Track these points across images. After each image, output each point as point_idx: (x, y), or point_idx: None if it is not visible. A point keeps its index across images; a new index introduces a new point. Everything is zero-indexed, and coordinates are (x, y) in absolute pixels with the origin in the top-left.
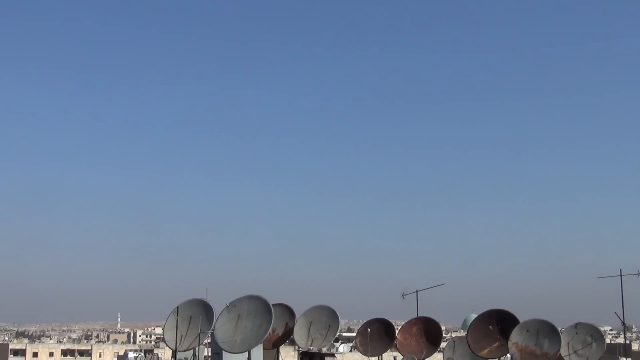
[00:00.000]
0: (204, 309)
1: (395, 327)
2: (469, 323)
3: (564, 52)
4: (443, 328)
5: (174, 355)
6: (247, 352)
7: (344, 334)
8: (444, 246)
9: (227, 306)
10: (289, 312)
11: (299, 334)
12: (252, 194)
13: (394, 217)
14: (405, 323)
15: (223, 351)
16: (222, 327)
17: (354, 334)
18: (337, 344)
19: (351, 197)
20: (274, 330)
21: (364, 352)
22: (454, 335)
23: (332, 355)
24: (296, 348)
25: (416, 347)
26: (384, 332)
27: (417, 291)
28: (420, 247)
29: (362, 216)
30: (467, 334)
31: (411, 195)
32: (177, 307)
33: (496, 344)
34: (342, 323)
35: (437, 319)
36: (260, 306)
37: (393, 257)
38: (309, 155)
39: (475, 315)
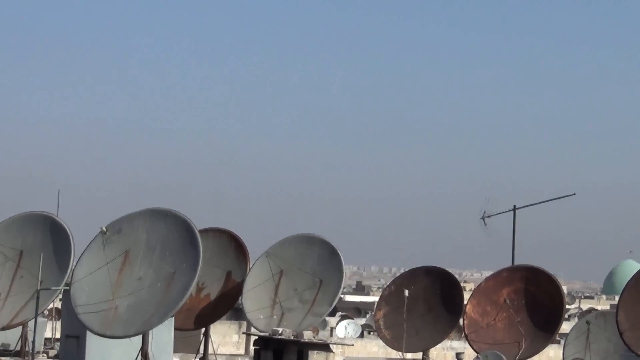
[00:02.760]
0: (49, 236)
1: (464, 286)
2: (621, 282)
3: None
4: (565, 290)
5: None
6: (140, 335)
7: (348, 299)
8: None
9: (103, 231)
10: (234, 247)
11: (253, 297)
12: None
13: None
14: (487, 280)
15: (87, 332)
16: (90, 279)
17: (373, 299)
18: (333, 321)
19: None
20: (200, 288)
21: (394, 344)
22: (585, 305)
23: (326, 346)
24: (243, 331)
25: (506, 332)
26: (440, 298)
27: (514, 208)
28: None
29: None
30: (617, 307)
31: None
32: None
33: None
34: (349, 273)
35: (551, 271)
36: (175, 234)
37: (457, 143)
38: None
39: (637, 264)
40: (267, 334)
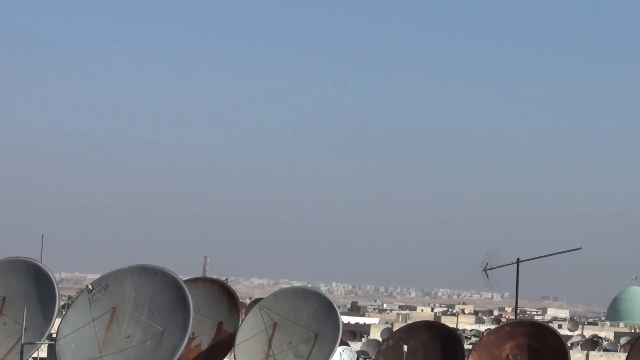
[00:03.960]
0: (34, 284)
1: (463, 308)
2: (626, 308)
3: None
4: (567, 314)
5: None
6: None
7: (342, 320)
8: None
9: (90, 290)
10: (227, 298)
11: (245, 349)
12: None
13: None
14: (488, 334)
15: None
16: (76, 335)
17: (369, 320)
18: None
19: None
20: (191, 339)
21: None
22: (589, 332)
23: None
24: None
25: None
26: (440, 354)
27: (518, 261)
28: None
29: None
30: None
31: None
32: None
33: None
34: (343, 292)
35: (553, 294)
36: (165, 292)
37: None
38: None
39: (637, 287)
40: None
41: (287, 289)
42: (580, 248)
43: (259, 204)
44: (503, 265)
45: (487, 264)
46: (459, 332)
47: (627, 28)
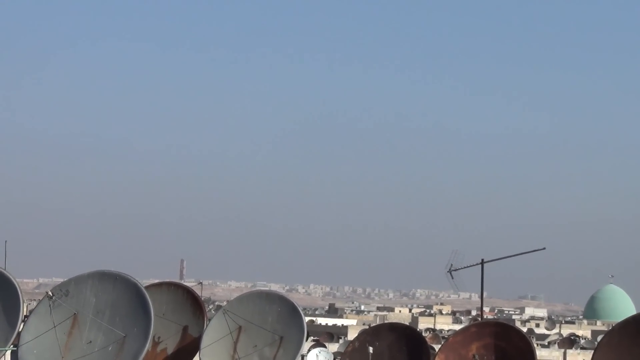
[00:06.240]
0: None
1: (440, 309)
2: (603, 307)
3: None
4: (545, 313)
5: None
6: None
7: (320, 321)
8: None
9: (50, 296)
10: (190, 302)
11: (211, 353)
12: None
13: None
14: (455, 335)
15: None
16: (38, 342)
17: (346, 321)
18: (304, 347)
19: None
20: (156, 343)
21: None
22: (566, 331)
23: None
24: None
25: None
26: (405, 355)
27: (482, 262)
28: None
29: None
30: None
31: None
32: None
33: None
34: (321, 294)
35: (531, 293)
36: (125, 297)
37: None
38: None
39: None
40: None
41: (251, 292)
42: (544, 248)
43: (236, 207)
44: (467, 267)
45: (451, 265)
46: (435, 332)
47: None
